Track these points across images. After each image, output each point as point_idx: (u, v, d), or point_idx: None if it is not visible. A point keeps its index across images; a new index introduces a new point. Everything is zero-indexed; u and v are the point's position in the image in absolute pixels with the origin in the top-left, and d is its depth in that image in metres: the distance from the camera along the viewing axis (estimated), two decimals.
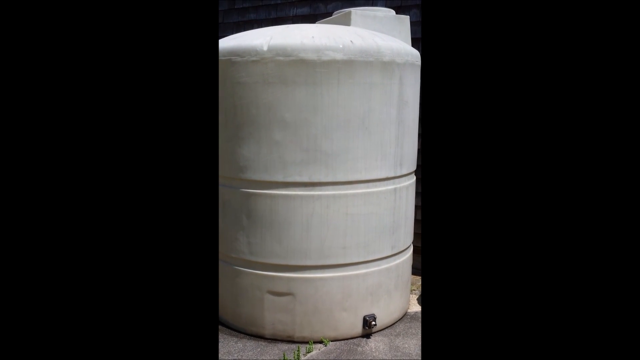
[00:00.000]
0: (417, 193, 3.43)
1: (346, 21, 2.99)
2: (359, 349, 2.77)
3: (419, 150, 3.50)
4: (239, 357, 2.68)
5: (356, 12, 2.98)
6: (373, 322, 2.85)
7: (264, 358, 2.67)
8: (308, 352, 2.73)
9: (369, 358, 2.67)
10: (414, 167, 3.09)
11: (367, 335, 2.91)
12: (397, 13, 3.19)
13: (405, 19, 3.14)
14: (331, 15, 3.30)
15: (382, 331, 2.98)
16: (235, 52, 2.66)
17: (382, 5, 3.85)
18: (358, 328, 2.88)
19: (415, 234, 3.49)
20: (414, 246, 3.38)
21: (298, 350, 2.72)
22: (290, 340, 2.84)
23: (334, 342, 2.83)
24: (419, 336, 2.93)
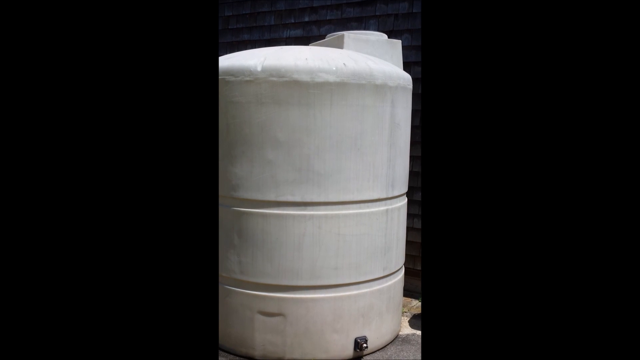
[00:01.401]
0: (407, 215, 3.44)
1: (339, 44, 3.03)
2: None
3: (410, 172, 3.52)
4: None
5: (349, 35, 3.03)
6: (364, 344, 2.83)
7: None
8: None
9: None
10: (405, 189, 3.11)
11: (358, 357, 2.88)
12: (389, 37, 3.25)
13: (397, 43, 3.19)
14: (324, 38, 3.35)
15: (373, 354, 2.95)
16: (229, 72, 2.69)
17: (374, 29, 3.92)
18: (349, 350, 2.85)
19: (406, 255, 3.49)
20: (405, 268, 3.38)
21: None
22: None
23: None
24: (411, 359, 2.91)
